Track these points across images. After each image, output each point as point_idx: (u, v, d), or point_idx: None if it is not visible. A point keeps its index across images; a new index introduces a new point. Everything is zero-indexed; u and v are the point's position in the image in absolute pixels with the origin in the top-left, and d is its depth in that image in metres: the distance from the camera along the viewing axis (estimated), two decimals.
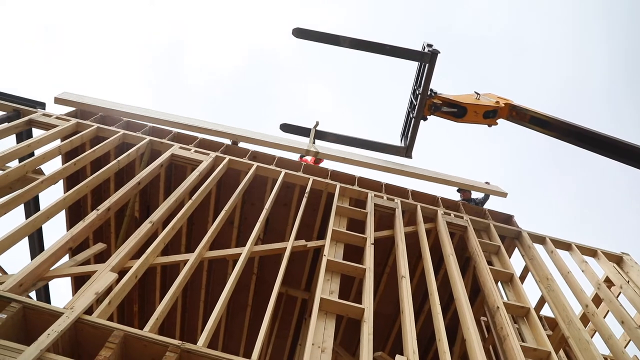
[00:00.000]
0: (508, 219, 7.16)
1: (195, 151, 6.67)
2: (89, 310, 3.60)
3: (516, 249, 6.72)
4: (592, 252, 6.57)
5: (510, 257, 6.52)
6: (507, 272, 5.67)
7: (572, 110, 34.54)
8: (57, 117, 6.72)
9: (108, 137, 6.57)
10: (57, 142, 6.28)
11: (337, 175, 7.02)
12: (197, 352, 3.39)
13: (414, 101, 6.87)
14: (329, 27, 6.82)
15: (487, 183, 7.87)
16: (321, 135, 7.29)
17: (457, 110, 6.85)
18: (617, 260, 6.48)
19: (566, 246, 6.62)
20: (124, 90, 37.42)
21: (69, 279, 7.66)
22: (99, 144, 6.27)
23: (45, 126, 6.51)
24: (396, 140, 7.73)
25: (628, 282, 5.94)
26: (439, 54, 6.52)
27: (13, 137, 6.43)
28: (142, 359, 3.40)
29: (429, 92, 6.71)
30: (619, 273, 6.16)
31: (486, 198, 8.21)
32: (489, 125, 7.17)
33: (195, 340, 3.54)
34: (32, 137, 6.51)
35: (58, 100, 7.16)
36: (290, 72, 42.03)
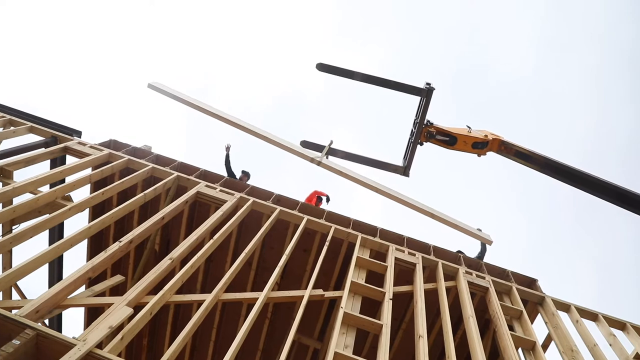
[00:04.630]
0: (531, 282, 6.94)
1: (221, 190, 6.74)
2: (100, 344, 3.57)
3: (539, 315, 6.48)
4: (621, 325, 6.27)
5: (532, 323, 6.28)
6: (529, 340, 5.44)
7: (593, 161, 34.17)
8: (91, 146, 6.91)
9: (138, 169, 6.70)
10: (88, 171, 6.43)
11: (359, 225, 6.97)
12: None
13: (413, 129, 8.01)
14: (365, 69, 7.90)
15: (479, 230, 8.29)
16: (333, 152, 8.25)
17: (449, 139, 7.91)
18: None
19: (592, 316, 6.33)
20: (158, 128, 38.60)
21: (81, 308, 7.66)
22: (128, 176, 6.40)
23: (79, 154, 6.70)
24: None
25: None
26: (434, 90, 7.65)
27: (47, 162, 6.64)
28: None
29: (426, 122, 7.81)
30: None
31: (482, 253, 8.52)
32: (478, 155, 8.20)
33: None
34: (65, 163, 6.70)
35: (150, 86, 8.41)
36: (317, 115, 42.83)
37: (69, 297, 4.15)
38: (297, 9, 41.90)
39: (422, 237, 7.13)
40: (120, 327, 3.89)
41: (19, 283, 6.33)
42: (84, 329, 7.23)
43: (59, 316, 7.31)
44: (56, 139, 6.88)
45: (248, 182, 7.34)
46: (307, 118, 42.91)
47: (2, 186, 5.64)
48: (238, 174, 9.11)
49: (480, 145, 8.00)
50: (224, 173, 9.13)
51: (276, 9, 40.56)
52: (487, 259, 8.60)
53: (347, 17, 42.80)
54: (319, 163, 8.07)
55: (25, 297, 6.50)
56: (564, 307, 6.43)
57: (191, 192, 6.44)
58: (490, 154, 8.32)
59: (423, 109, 7.71)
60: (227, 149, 9.06)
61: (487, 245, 8.57)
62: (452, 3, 39.31)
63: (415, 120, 7.96)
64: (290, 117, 42.14)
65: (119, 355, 3.59)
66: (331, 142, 8.20)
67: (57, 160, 6.72)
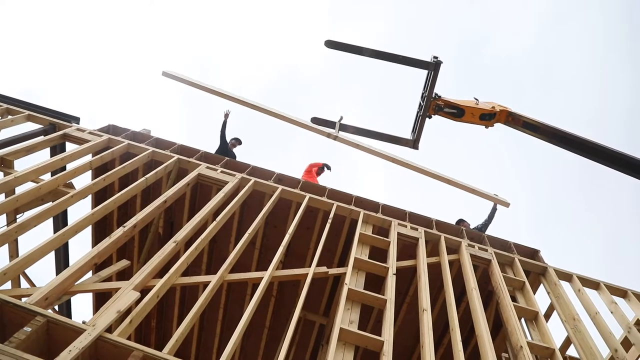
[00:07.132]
0: (534, 253, 6.99)
1: (222, 172, 6.74)
2: (109, 328, 3.63)
3: (541, 285, 6.55)
4: (622, 293, 6.34)
5: (535, 294, 6.35)
6: (532, 310, 5.51)
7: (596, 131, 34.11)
8: (90, 132, 6.90)
9: (138, 154, 6.70)
10: (89, 157, 6.43)
11: (361, 202, 7.00)
12: None
13: (421, 103, 8.11)
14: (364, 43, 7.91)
15: (496, 195, 8.55)
16: (344, 128, 8.46)
17: (456, 112, 7.99)
18: None
19: (594, 285, 6.40)
20: (159, 110, 38.38)
21: (89, 294, 7.76)
22: (129, 161, 6.40)
23: (79, 141, 6.69)
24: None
25: None
26: (442, 64, 7.70)
27: (47, 150, 6.64)
28: None
29: (434, 95, 7.88)
30: None
31: (488, 221, 8.68)
32: (486, 127, 8.27)
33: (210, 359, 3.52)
34: (65, 150, 6.69)
35: (165, 74, 8.63)
36: (315, 92, 42.53)
37: (76, 283, 4.20)
38: None
39: (424, 211, 7.19)
40: (128, 311, 3.95)
41: (26, 271, 6.39)
42: (93, 314, 7.34)
43: (68, 302, 7.41)
44: (55, 126, 6.86)
45: (250, 163, 7.33)
46: (306, 96, 42.63)
47: (4, 176, 5.65)
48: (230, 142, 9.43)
49: (487, 117, 8.08)
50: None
51: None
52: (489, 231, 8.67)
53: None
54: (335, 138, 8.31)
55: (34, 285, 6.59)
56: (566, 276, 6.50)
57: (192, 175, 6.45)
58: (498, 125, 8.38)
59: (431, 82, 7.78)
60: (226, 115, 9.19)
61: (496, 213, 8.82)
62: None
63: (423, 93, 8.05)
64: (289, 95, 41.87)
65: (129, 338, 3.66)
66: (341, 118, 8.41)
67: (57, 148, 6.71)
